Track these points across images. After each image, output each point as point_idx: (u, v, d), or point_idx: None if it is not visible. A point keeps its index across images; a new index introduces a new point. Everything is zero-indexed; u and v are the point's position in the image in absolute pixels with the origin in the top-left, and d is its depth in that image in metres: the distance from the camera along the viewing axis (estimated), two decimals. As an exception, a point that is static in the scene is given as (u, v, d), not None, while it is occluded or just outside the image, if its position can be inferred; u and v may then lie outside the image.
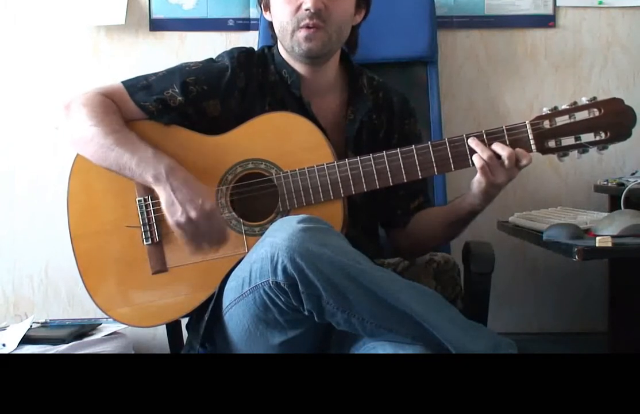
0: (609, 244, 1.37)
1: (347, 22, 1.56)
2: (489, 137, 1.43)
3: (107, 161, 1.42)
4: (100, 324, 2.02)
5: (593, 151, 1.43)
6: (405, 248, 1.67)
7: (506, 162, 1.40)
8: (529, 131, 1.42)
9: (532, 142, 1.42)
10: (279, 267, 1.26)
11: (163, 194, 1.39)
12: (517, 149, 1.41)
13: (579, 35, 2.28)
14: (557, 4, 2.27)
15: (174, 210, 1.38)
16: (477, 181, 1.44)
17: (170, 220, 1.39)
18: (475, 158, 1.42)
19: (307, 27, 1.49)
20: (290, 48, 1.53)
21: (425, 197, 1.66)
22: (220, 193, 1.47)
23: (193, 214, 1.37)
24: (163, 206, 1.39)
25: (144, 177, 1.40)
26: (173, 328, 1.62)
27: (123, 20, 2.21)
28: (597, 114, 1.42)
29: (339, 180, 1.45)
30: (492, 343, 1.31)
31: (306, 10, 1.48)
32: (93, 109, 1.44)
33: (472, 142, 1.43)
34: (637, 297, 2.08)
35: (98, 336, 1.95)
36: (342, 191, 1.45)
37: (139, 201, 1.47)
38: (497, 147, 1.41)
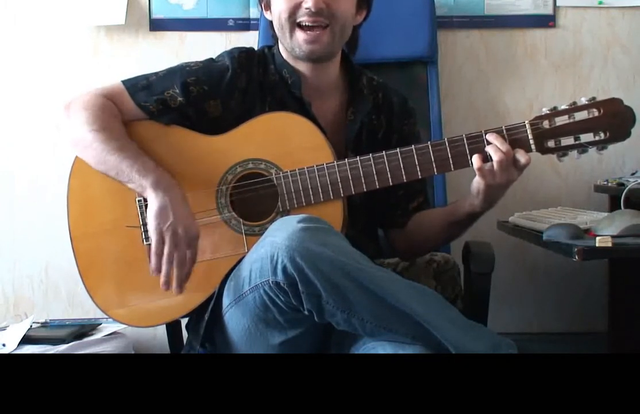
0: (609, 244, 1.37)
1: (349, 22, 1.55)
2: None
3: (105, 165, 1.41)
4: (100, 324, 2.02)
5: (593, 151, 1.43)
6: (403, 249, 1.66)
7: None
8: (529, 131, 1.42)
9: (531, 142, 1.42)
10: (279, 267, 1.26)
11: (156, 200, 1.36)
12: (516, 149, 1.41)
13: (579, 35, 2.28)
14: (557, 4, 2.27)
15: (165, 217, 1.35)
16: (476, 181, 1.44)
17: (155, 226, 1.35)
18: (484, 155, 1.41)
19: (308, 27, 1.49)
20: (290, 48, 1.53)
21: (424, 198, 1.65)
22: (220, 193, 1.47)
23: (181, 230, 1.35)
24: (153, 208, 1.36)
25: (142, 182, 1.38)
26: (173, 328, 1.62)
27: (123, 20, 2.21)
28: (596, 114, 1.41)
29: (339, 180, 1.45)
30: (492, 343, 1.31)
31: (306, 8, 1.47)
32: (94, 112, 1.44)
33: (491, 137, 1.41)
34: (637, 297, 2.08)
35: (98, 336, 1.95)
36: (342, 191, 1.45)
37: (139, 200, 1.47)
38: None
